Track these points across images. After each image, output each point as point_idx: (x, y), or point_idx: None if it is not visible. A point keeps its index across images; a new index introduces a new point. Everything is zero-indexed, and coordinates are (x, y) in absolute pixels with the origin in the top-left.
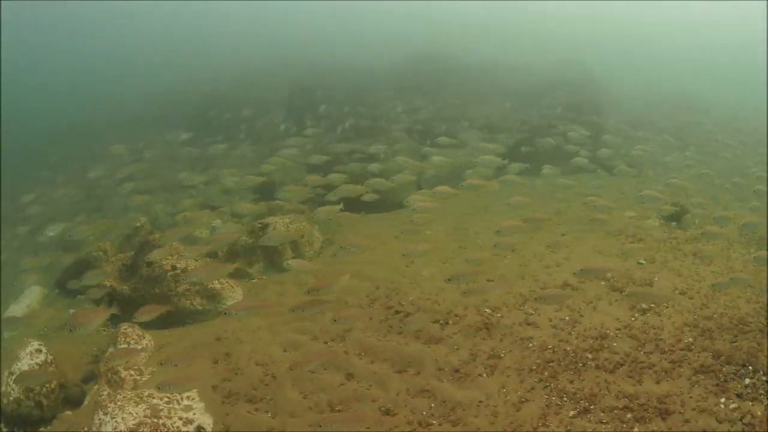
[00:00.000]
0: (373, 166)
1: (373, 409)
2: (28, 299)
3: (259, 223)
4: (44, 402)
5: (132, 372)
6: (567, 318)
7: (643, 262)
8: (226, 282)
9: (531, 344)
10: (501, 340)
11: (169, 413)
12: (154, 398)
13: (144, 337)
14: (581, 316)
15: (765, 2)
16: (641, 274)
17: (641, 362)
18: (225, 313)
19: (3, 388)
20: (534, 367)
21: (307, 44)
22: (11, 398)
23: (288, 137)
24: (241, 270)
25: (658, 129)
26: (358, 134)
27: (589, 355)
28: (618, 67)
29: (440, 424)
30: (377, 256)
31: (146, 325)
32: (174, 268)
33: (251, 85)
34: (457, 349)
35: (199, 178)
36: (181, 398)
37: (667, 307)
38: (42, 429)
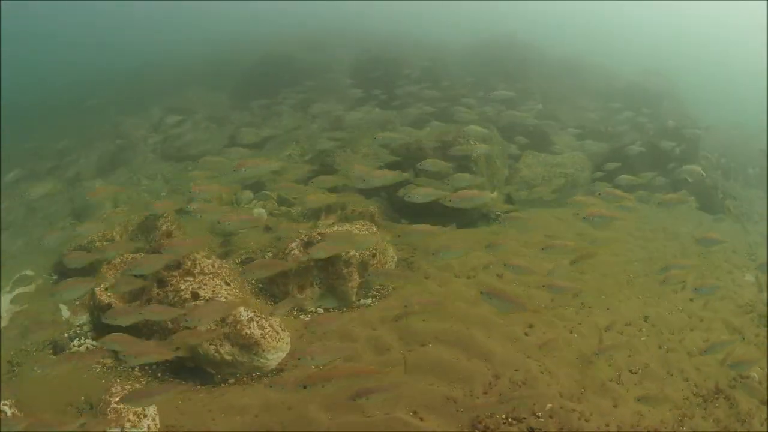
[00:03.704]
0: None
1: None
2: (17, 290)
3: (318, 234)
4: None
5: None
6: None
7: None
8: (269, 326)
9: None
10: None
11: None
12: None
13: (145, 416)
14: None
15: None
16: None
17: None
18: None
19: None
20: None
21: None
22: None
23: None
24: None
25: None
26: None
27: None
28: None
29: None
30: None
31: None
32: (196, 296)
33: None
34: None
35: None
36: None
37: None
38: None
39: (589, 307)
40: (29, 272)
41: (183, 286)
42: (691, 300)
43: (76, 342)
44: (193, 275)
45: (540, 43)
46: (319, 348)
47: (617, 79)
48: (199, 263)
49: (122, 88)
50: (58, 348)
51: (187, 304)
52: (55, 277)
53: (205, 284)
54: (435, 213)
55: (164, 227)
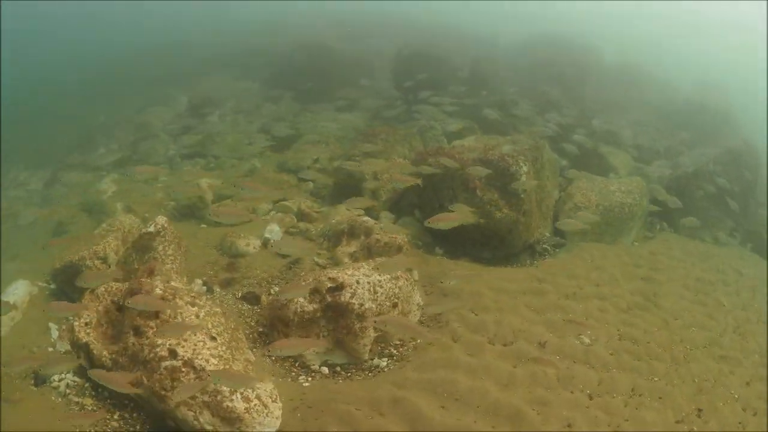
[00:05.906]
0: None
1: None
2: (12, 299)
3: (329, 278)
4: None
5: None
6: None
7: None
8: (256, 398)
9: None
10: None
11: None
12: None
13: None
14: None
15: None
16: None
17: None
18: None
19: None
20: None
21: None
22: None
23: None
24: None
25: None
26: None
27: None
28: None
29: None
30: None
31: None
32: (174, 354)
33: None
34: None
35: None
36: None
37: None
38: None
39: (640, 395)
40: (23, 282)
41: (160, 341)
42: (748, 384)
43: (56, 377)
44: None
45: (598, 46)
46: None
47: (676, 93)
48: (181, 313)
49: (148, 71)
50: (39, 380)
51: (163, 363)
52: (52, 286)
53: (185, 340)
54: (473, 240)
55: (151, 258)
